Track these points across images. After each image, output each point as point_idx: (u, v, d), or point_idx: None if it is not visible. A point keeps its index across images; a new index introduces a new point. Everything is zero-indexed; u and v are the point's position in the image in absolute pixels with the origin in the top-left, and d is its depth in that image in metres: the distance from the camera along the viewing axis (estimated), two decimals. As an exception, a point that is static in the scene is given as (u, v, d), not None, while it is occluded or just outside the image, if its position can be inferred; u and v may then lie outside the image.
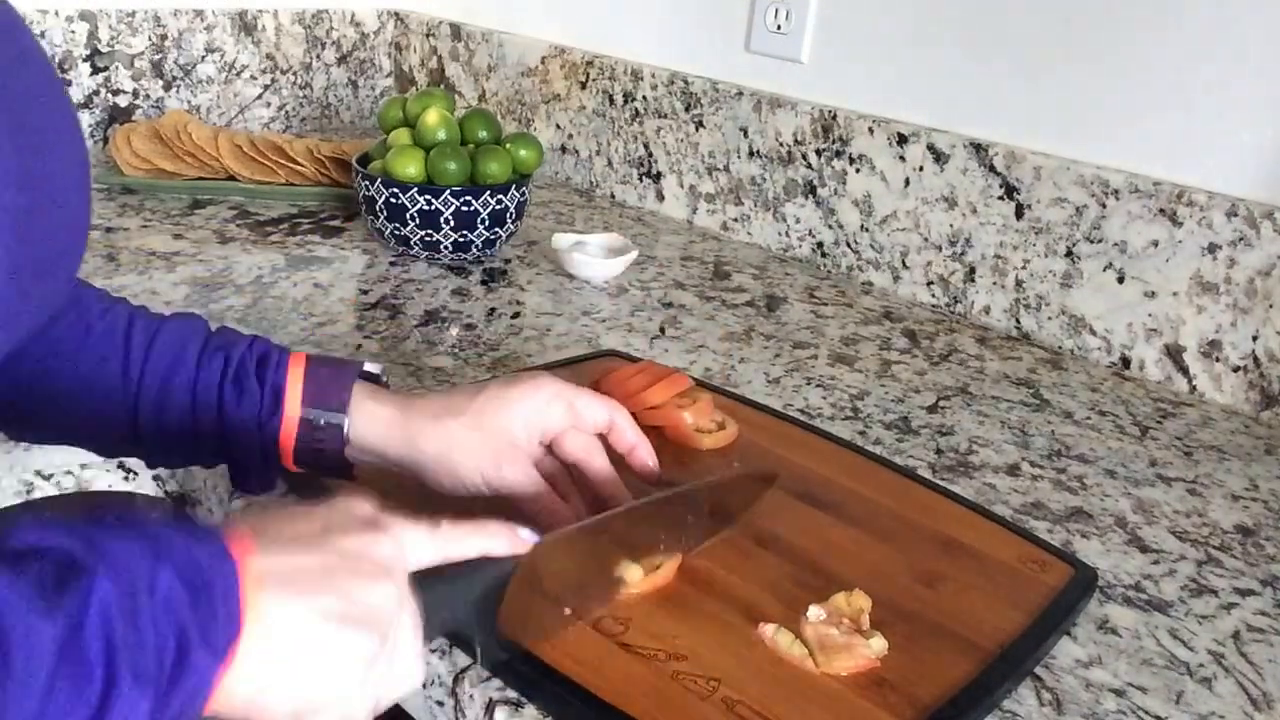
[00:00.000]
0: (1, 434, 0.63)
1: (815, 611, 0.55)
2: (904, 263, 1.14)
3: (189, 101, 1.47)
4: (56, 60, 1.31)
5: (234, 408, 0.58)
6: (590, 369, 0.82)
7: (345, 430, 0.59)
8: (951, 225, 1.09)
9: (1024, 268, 1.05)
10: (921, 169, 1.10)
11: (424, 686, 0.54)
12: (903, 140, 1.11)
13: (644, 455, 0.63)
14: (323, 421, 0.58)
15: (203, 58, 1.47)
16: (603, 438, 0.63)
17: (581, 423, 0.61)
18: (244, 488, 0.61)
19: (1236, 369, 0.94)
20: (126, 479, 0.71)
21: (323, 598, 0.39)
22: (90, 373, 0.58)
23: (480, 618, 0.48)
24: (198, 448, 0.59)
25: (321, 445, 0.59)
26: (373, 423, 0.59)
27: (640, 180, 1.38)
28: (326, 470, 0.60)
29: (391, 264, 1.09)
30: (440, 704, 0.54)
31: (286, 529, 0.41)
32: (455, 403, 0.59)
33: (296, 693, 0.39)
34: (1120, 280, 0.99)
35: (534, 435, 0.60)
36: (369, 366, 0.62)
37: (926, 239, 1.11)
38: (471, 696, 0.52)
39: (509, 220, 1.11)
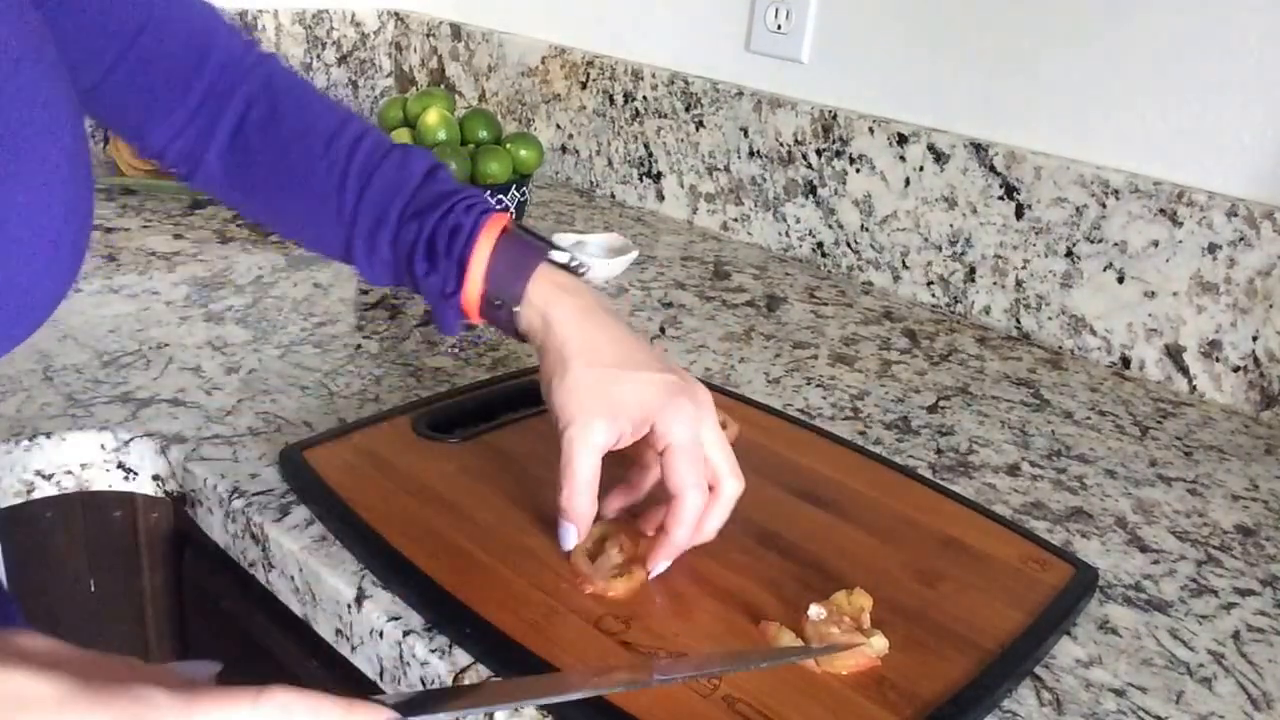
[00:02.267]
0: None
1: (816, 610, 0.55)
2: (904, 263, 1.14)
3: (189, 101, 1.47)
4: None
5: (423, 275, 0.62)
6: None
7: (516, 318, 0.61)
8: (951, 225, 1.09)
9: (1024, 268, 1.05)
10: (921, 169, 1.10)
11: (423, 685, 0.54)
12: (903, 140, 1.11)
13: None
14: (498, 302, 0.61)
15: (203, 58, 1.47)
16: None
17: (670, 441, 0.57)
18: (442, 329, 0.65)
19: (1236, 369, 0.94)
20: (126, 479, 0.71)
21: None
22: (315, 207, 0.65)
23: None
24: (407, 283, 0.65)
25: (499, 317, 0.62)
26: (533, 332, 0.61)
27: (640, 180, 1.38)
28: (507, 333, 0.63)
29: (392, 264, 1.09)
30: (441, 703, 0.54)
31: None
32: (617, 361, 0.59)
33: None
34: (1120, 280, 0.99)
35: (639, 427, 0.58)
36: (555, 255, 0.62)
37: (926, 239, 1.12)
38: (472, 695, 0.52)
39: (509, 220, 1.11)
